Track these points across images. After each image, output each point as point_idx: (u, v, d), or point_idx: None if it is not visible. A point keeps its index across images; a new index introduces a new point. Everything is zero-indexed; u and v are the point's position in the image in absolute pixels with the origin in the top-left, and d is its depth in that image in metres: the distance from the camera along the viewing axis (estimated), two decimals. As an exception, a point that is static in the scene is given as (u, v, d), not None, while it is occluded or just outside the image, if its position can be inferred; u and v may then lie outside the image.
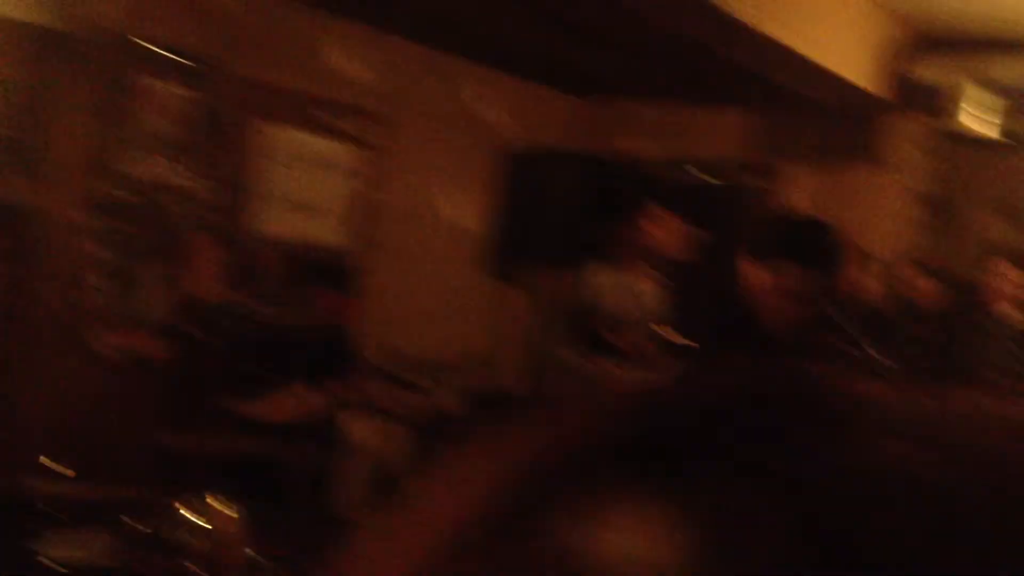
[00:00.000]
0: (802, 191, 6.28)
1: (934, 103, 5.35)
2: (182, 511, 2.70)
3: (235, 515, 2.67)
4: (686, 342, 3.07)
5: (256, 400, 3.54)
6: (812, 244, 2.94)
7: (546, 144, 6.43)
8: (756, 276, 2.85)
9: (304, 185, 5.35)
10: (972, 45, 5.25)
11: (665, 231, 4.54)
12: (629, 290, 4.54)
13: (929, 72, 5.26)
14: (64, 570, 2.65)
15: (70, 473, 3.09)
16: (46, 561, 2.65)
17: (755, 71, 5.07)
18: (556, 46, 5.66)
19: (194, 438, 3.39)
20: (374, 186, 5.68)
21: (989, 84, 5.11)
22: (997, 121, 5.18)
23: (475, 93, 6.23)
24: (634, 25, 4.70)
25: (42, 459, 3.12)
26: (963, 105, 5.16)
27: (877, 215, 6.08)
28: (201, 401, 3.86)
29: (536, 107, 6.76)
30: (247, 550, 2.66)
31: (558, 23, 5.05)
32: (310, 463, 3.24)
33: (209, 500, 2.92)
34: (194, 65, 4.81)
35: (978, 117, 5.17)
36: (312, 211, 5.41)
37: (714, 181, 6.76)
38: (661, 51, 5.45)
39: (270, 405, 3.53)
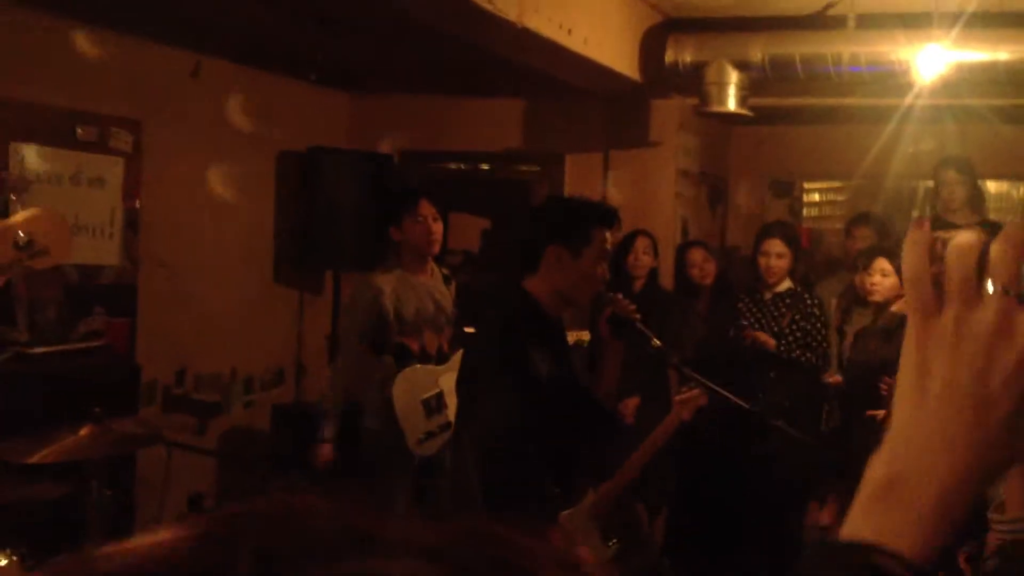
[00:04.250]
0: (583, 178, 6.49)
1: (693, 85, 5.62)
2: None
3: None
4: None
5: (39, 442, 3.35)
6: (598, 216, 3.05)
7: (326, 145, 6.37)
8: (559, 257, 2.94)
9: (71, 204, 5.05)
10: (719, 26, 5.55)
11: (432, 229, 4.54)
12: (414, 289, 4.55)
13: (686, 55, 5.52)
14: None
15: None
16: None
17: (525, 65, 5.18)
18: (323, 44, 5.59)
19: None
20: (145, 198, 5.44)
21: (739, 63, 5.41)
22: (747, 97, 5.50)
23: (244, 95, 6.07)
24: (395, 21, 4.71)
25: None
26: (716, 84, 5.45)
27: (655, 197, 6.36)
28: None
29: (312, 107, 6.66)
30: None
31: (320, 21, 5.00)
32: (106, 504, 3.10)
33: (1, 558, 2.76)
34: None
35: (734, 96, 5.48)
36: (83, 231, 5.13)
37: (492, 172, 6.87)
38: (431, 46, 5.49)
39: (55, 446, 3.35)
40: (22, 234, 1.78)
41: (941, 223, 5.49)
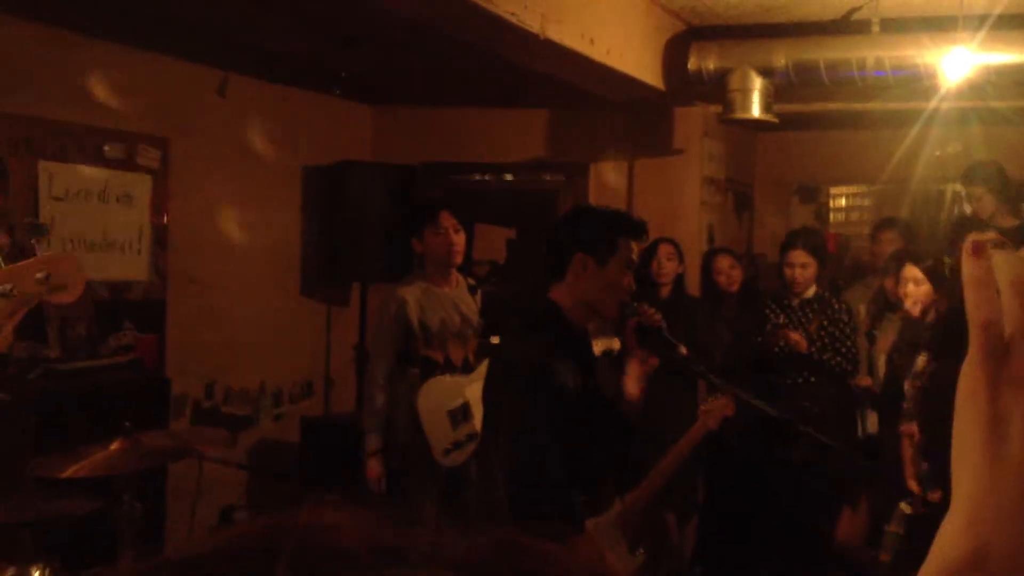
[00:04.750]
0: (608, 187, 6.49)
1: (717, 92, 5.61)
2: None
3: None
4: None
5: (71, 457, 3.39)
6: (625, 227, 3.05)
7: (349, 158, 6.40)
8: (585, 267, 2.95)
9: (99, 221, 5.11)
10: (742, 33, 5.54)
11: (453, 240, 4.54)
12: (438, 300, 4.55)
13: (709, 63, 5.51)
14: None
15: None
16: None
17: (549, 75, 5.19)
18: (347, 58, 5.63)
19: (5, 506, 3.21)
20: (173, 214, 5.49)
21: (763, 69, 5.40)
22: (771, 103, 5.48)
23: (269, 111, 6.12)
24: (418, 34, 4.73)
25: None
26: (740, 90, 5.44)
27: (681, 205, 6.35)
28: (8, 465, 3.65)
29: (337, 121, 6.70)
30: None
31: (344, 35, 5.03)
32: (138, 518, 3.12)
33: (34, 572, 2.78)
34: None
35: (758, 102, 5.46)
36: (112, 248, 5.18)
37: (514, 183, 6.87)
38: (454, 58, 5.51)
39: (86, 461, 3.38)
40: (42, 271, 2.09)
41: (979, 225, 5.44)
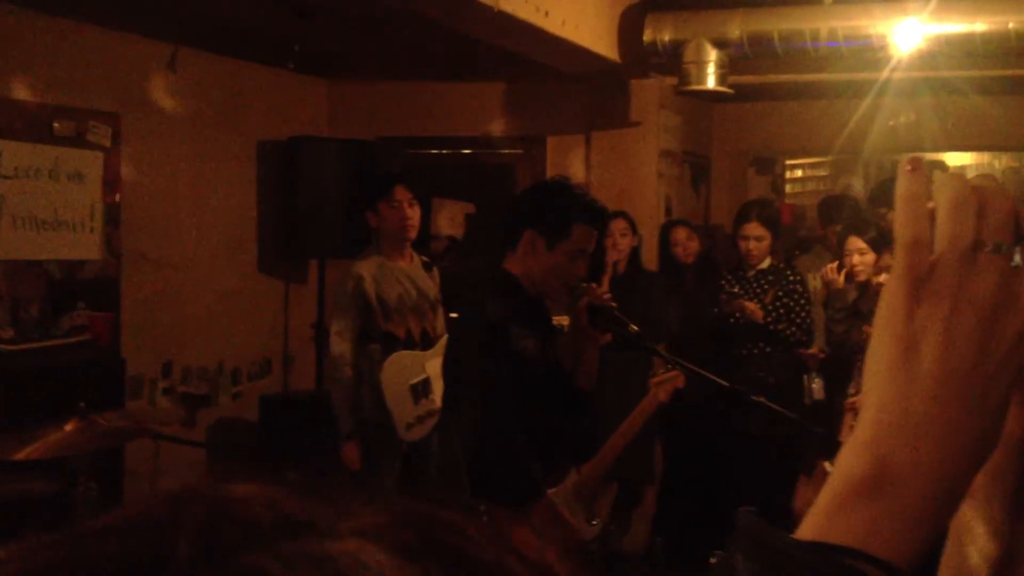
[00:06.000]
0: (565, 160, 6.49)
1: (672, 64, 5.62)
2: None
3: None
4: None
5: (25, 439, 3.35)
6: (582, 206, 3.02)
7: (307, 133, 6.34)
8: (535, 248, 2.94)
9: (50, 200, 5.02)
10: (697, 5, 5.55)
11: (408, 214, 4.52)
12: (394, 275, 4.54)
13: (664, 34, 5.52)
14: None
15: None
16: None
17: (504, 48, 5.17)
18: (301, 32, 5.56)
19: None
20: (125, 192, 5.41)
21: (718, 41, 5.42)
22: (727, 74, 5.50)
23: (222, 85, 6.04)
24: (373, 7, 4.69)
25: None
26: (695, 62, 5.45)
27: (638, 177, 6.36)
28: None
29: (292, 95, 6.62)
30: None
31: (297, 8, 4.97)
32: (95, 499, 3.10)
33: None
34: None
35: (713, 74, 5.48)
36: (63, 226, 5.10)
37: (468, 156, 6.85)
38: (409, 32, 5.47)
39: (40, 443, 3.35)
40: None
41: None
